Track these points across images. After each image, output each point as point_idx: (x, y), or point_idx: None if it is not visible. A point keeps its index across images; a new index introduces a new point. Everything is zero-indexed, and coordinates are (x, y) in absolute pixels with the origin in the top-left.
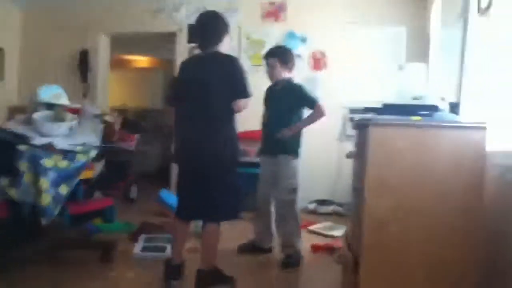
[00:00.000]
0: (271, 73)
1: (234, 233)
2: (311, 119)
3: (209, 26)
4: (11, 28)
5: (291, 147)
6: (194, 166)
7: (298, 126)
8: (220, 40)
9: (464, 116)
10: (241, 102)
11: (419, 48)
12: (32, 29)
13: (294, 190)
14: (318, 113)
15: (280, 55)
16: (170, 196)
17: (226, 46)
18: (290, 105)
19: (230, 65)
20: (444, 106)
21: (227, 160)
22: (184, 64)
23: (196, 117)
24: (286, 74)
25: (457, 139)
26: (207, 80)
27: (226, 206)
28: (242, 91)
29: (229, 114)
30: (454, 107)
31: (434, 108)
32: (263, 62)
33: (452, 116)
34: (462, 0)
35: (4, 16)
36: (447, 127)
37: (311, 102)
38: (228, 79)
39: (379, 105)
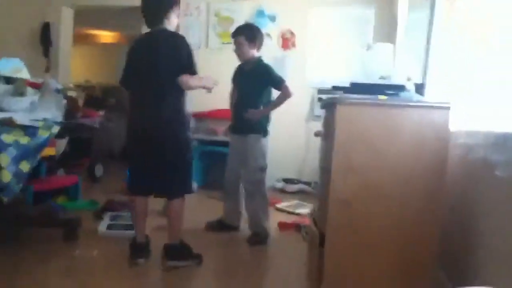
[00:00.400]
0: (239, 51)
1: (202, 210)
2: (278, 101)
3: (153, 3)
4: None
5: (260, 126)
6: (145, 141)
7: (266, 109)
8: (164, 16)
9: (429, 97)
10: (184, 77)
11: (387, 29)
12: None
13: (262, 169)
14: (284, 94)
15: (247, 33)
16: None
17: (174, 23)
18: (259, 85)
19: (175, 43)
20: (410, 87)
21: (176, 135)
22: (132, 45)
23: (145, 95)
24: (254, 53)
25: (421, 119)
26: (154, 59)
27: (177, 181)
28: (187, 68)
29: (177, 91)
30: (420, 88)
31: (400, 88)
32: (232, 40)
33: (417, 97)
34: None
35: None
36: (412, 107)
37: (278, 83)
38: (174, 57)
39: (346, 84)
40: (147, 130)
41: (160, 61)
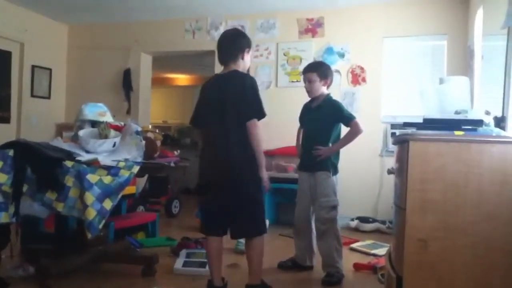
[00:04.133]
0: (309, 88)
1: (274, 249)
2: (348, 138)
3: (226, 44)
4: (58, 46)
5: (329, 164)
6: (215, 181)
7: (335, 146)
8: (235, 57)
9: (511, 131)
10: (252, 122)
11: (462, 60)
12: (77, 48)
13: (334, 208)
14: (354, 130)
15: (319, 70)
16: None
17: (247, 64)
18: (327, 122)
19: (242, 84)
20: (489, 120)
21: (249, 176)
22: (204, 85)
23: (215, 136)
24: (324, 90)
25: (504, 155)
26: (222, 100)
27: (250, 221)
28: (252, 112)
29: (246, 133)
30: (500, 121)
31: (478, 123)
32: (302, 77)
33: (498, 131)
34: (507, 9)
35: (52, 33)
36: (493, 142)
37: (348, 119)
38: (241, 97)
39: (419, 120)
40: (217, 170)
41: (228, 100)
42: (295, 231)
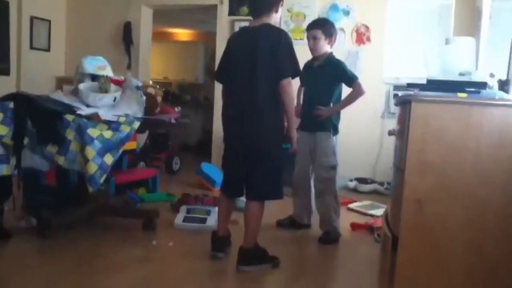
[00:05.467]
0: (313, 46)
1: (273, 208)
2: (350, 99)
3: None
4: None
5: (330, 124)
6: (239, 144)
7: (336, 107)
8: (269, 10)
9: None
10: (286, 81)
11: (468, 21)
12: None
13: (333, 167)
14: (357, 91)
15: (324, 27)
16: (210, 169)
17: (277, 18)
18: (329, 81)
19: (276, 40)
20: (493, 83)
21: (271, 140)
22: (231, 38)
23: (241, 95)
24: (328, 48)
25: (505, 118)
26: (252, 55)
27: (269, 185)
28: (287, 70)
29: (274, 93)
30: (504, 85)
31: (481, 85)
32: (305, 34)
33: (501, 94)
34: None
35: None
36: (495, 105)
37: (350, 80)
38: (273, 56)
39: (423, 81)
40: (241, 131)
41: (260, 54)
42: (293, 190)
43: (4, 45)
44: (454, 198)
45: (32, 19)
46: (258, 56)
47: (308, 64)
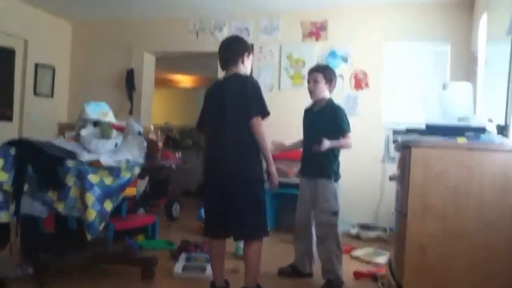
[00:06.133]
0: (314, 88)
1: (274, 255)
2: (343, 143)
3: (226, 49)
4: (62, 44)
5: (330, 170)
6: (219, 183)
7: (333, 143)
8: (235, 61)
9: None
10: (255, 120)
11: (465, 66)
12: (81, 46)
13: (335, 213)
14: (345, 142)
15: (324, 71)
16: None
17: (248, 67)
18: (329, 126)
19: (243, 85)
20: (492, 128)
21: (248, 175)
22: (207, 90)
23: (218, 138)
24: (327, 93)
25: (505, 163)
26: (224, 101)
27: (252, 221)
28: (254, 109)
29: (247, 133)
30: (503, 129)
31: (481, 130)
32: (306, 78)
33: (500, 139)
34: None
35: (56, 31)
36: (495, 150)
37: (343, 130)
38: (240, 99)
39: (422, 126)
40: (219, 171)
41: (229, 100)
42: (295, 236)
43: (8, 91)
44: (458, 243)
45: (36, 65)
46: (227, 102)
47: (308, 109)
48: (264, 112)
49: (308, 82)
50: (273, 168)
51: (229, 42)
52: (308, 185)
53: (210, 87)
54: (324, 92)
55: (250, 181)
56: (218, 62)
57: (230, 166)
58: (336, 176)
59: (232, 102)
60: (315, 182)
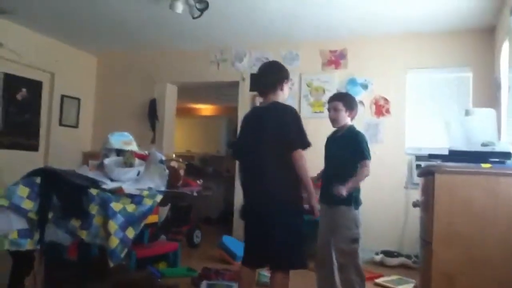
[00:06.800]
0: (335, 116)
1: (297, 283)
2: (360, 177)
3: (265, 75)
4: (87, 76)
5: (350, 197)
6: (256, 213)
7: (352, 184)
8: (274, 88)
9: None
10: (296, 153)
11: (486, 92)
12: (105, 77)
13: (355, 240)
14: (361, 171)
15: (345, 99)
16: (232, 242)
17: (286, 94)
18: (349, 151)
19: (282, 115)
20: None
21: (284, 207)
22: (245, 117)
23: (254, 167)
24: (348, 121)
25: None
26: (260, 131)
27: (290, 253)
28: (295, 142)
29: (285, 164)
30: None
31: (506, 155)
32: (326, 106)
33: None
34: None
35: (81, 63)
36: None
37: (361, 156)
38: (282, 130)
39: (445, 152)
40: (255, 203)
41: (268, 131)
42: (316, 263)
43: (34, 122)
44: (486, 272)
45: (62, 97)
46: (265, 131)
47: (330, 137)
48: (305, 144)
49: (329, 110)
50: (314, 201)
51: (268, 68)
52: (327, 212)
53: (248, 115)
54: (346, 119)
55: (286, 211)
56: (251, 85)
57: (265, 197)
58: (357, 203)
59: (271, 131)
60: (335, 209)
